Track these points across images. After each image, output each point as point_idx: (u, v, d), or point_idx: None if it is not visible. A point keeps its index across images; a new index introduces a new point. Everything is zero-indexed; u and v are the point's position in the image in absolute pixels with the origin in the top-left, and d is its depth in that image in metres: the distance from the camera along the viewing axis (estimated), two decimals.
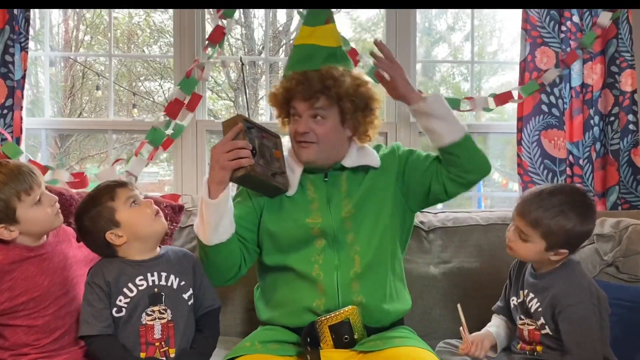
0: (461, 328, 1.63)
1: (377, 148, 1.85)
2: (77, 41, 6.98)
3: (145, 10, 6.81)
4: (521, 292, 1.67)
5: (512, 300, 1.72)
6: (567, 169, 2.52)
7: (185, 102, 2.48)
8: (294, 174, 1.74)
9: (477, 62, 3.77)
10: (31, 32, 2.52)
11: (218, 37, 2.41)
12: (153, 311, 1.53)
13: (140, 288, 1.52)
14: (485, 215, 2.27)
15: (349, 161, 1.75)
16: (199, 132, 2.62)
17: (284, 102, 1.73)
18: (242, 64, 1.98)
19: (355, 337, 1.59)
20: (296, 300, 1.66)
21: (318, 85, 1.64)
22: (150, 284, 1.54)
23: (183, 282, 1.58)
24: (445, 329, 2.06)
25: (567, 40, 2.50)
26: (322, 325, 1.58)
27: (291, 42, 7.79)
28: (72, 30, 6.91)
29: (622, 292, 1.88)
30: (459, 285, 2.10)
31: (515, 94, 2.53)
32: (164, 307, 1.54)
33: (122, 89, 6.89)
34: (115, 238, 1.52)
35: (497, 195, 4.83)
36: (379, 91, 1.77)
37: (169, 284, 1.56)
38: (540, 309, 1.60)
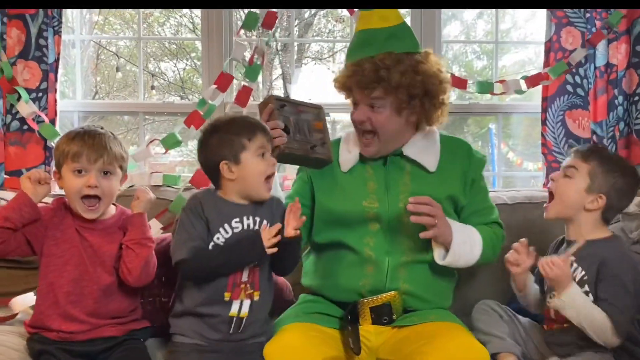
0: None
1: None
2: (90, 23, 6.99)
3: None
4: None
5: None
6: None
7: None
8: (350, 153, 1.76)
9: (501, 42, 3.77)
10: None
11: (271, 21, 2.42)
12: None
13: (235, 230, 1.53)
14: (512, 195, 2.28)
15: (411, 150, 1.73)
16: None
17: (346, 90, 1.74)
18: None
19: (394, 317, 1.66)
20: (343, 276, 1.71)
21: (373, 76, 1.63)
22: (245, 227, 1.54)
23: None
24: (472, 306, 2.10)
25: (593, 20, 2.51)
26: (364, 306, 1.65)
27: (304, 22, 7.77)
28: (85, 12, 6.92)
29: None
30: None
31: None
32: None
33: (136, 69, 6.91)
34: (227, 170, 1.52)
35: (515, 175, 4.84)
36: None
37: (262, 229, 1.55)
38: (585, 277, 1.61)
